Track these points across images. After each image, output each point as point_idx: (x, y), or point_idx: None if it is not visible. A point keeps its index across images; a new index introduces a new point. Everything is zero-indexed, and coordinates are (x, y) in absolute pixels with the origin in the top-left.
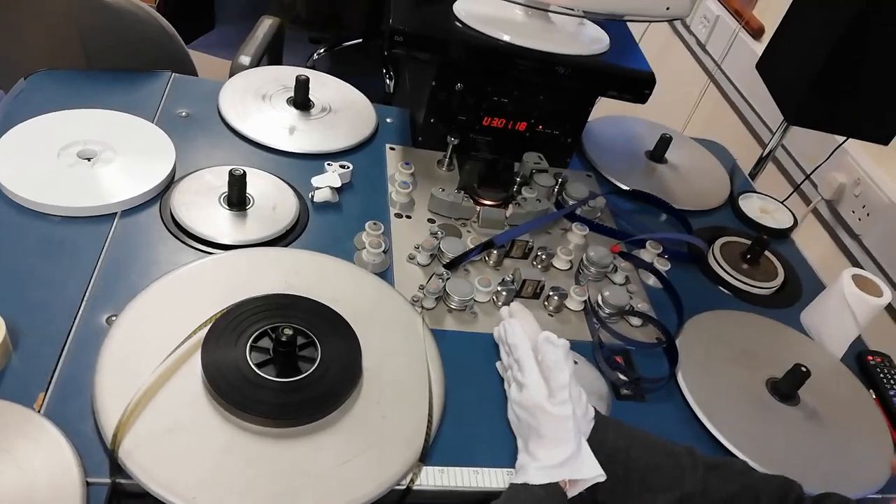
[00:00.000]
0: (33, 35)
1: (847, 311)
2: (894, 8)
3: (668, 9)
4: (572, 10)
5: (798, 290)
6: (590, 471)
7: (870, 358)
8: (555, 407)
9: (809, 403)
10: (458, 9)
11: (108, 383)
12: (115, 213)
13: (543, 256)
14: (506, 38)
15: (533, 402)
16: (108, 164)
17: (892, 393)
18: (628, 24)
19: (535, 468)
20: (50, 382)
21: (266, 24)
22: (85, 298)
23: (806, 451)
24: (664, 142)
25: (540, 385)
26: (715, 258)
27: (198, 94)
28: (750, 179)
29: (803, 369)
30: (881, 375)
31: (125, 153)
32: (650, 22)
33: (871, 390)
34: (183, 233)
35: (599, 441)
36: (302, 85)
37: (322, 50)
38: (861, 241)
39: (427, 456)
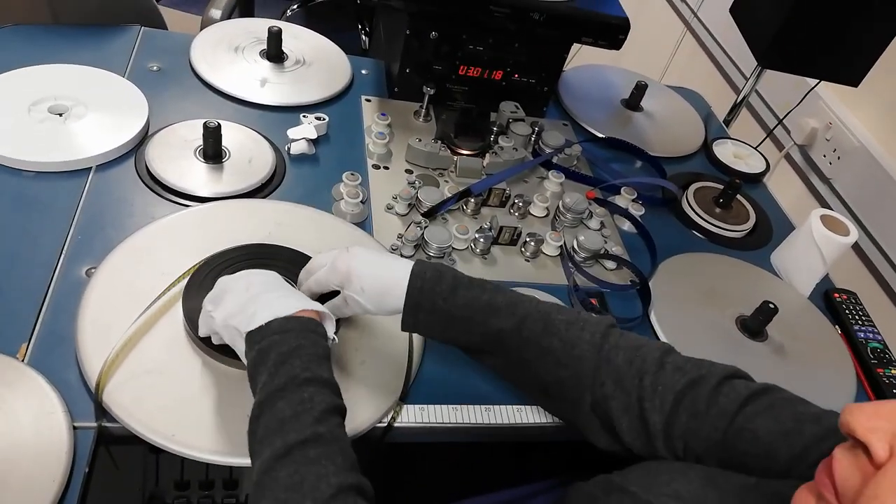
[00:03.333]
0: None
1: (815, 250)
2: None
3: None
4: None
5: (769, 232)
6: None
7: (836, 295)
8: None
9: (777, 339)
10: None
11: (91, 332)
12: (90, 168)
13: (520, 204)
14: None
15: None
16: (81, 118)
17: (856, 328)
18: None
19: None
20: (32, 333)
21: None
22: (63, 252)
23: (772, 382)
24: (640, 90)
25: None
26: (688, 202)
27: (168, 48)
28: (724, 126)
29: (771, 306)
30: (846, 312)
31: (97, 108)
32: None
33: (836, 326)
34: (160, 186)
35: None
36: (274, 37)
37: (295, 6)
38: (832, 185)
39: (407, 395)
